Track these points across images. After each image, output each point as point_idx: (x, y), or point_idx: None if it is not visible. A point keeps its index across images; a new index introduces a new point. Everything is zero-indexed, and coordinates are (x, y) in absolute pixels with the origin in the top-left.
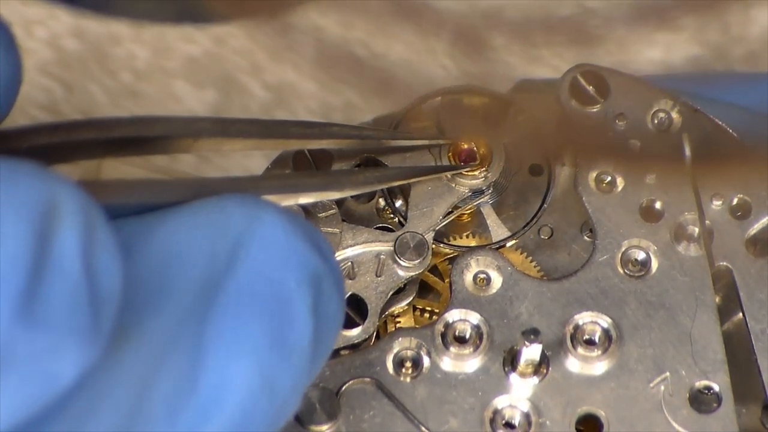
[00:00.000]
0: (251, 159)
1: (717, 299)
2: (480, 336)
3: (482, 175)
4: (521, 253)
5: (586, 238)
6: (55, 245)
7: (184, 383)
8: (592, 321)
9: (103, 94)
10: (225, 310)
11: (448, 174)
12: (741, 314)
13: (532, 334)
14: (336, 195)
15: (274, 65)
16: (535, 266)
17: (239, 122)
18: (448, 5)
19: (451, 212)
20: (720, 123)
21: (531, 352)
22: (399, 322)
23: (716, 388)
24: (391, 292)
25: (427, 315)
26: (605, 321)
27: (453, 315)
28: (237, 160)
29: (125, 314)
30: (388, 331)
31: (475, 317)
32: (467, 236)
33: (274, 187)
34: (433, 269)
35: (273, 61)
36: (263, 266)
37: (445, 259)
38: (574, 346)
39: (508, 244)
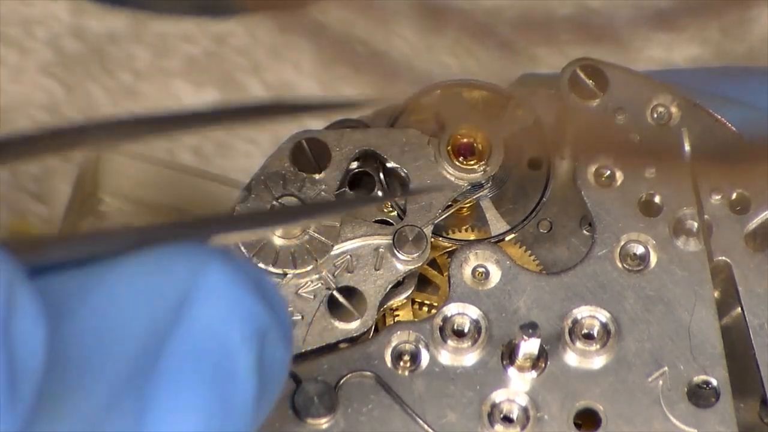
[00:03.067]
0: (252, 159)
1: (716, 294)
2: (478, 330)
3: (481, 168)
4: (520, 247)
5: (585, 232)
6: None
7: None
8: (591, 315)
9: (103, 94)
10: (168, 371)
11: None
12: (740, 309)
13: (530, 328)
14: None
15: (274, 64)
16: (533, 260)
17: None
18: (451, 3)
19: (450, 206)
20: (719, 117)
21: (529, 346)
22: (397, 315)
23: (714, 382)
24: (389, 286)
25: (425, 308)
26: (604, 315)
27: (451, 309)
28: (237, 161)
29: (59, 379)
30: (387, 324)
31: (473, 311)
32: (466, 230)
33: (223, 227)
34: (432, 263)
35: (273, 60)
36: (208, 321)
37: (443, 253)
38: (572, 341)
39: (507, 238)
